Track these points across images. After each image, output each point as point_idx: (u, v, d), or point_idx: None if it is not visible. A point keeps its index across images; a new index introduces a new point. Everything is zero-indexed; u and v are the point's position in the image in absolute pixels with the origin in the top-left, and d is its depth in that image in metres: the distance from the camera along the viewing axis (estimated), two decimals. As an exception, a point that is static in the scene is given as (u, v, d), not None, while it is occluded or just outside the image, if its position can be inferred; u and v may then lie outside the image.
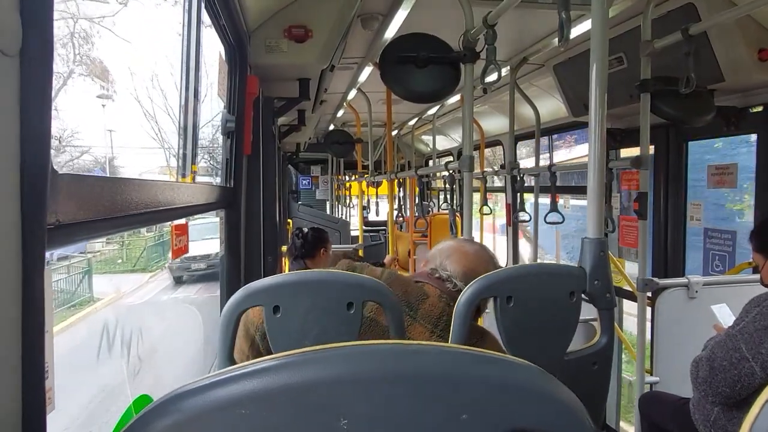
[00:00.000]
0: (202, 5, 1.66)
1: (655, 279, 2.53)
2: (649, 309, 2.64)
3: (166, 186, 1.23)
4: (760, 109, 2.65)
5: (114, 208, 0.83)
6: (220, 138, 2.22)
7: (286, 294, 1.21)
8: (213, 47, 2.03)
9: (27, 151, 0.53)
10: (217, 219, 2.28)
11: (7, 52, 0.51)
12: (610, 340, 1.36)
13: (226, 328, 1.21)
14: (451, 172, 2.86)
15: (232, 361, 1.22)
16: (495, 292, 1.25)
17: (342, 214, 8.60)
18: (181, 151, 1.98)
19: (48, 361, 0.66)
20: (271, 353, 1.19)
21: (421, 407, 0.42)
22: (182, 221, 1.59)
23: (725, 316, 2.32)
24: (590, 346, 1.35)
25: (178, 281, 8.59)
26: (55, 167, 0.58)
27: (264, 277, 2.56)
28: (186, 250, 1.49)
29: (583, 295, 1.32)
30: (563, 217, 3.55)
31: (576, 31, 2.70)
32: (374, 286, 1.23)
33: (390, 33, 2.87)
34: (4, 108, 0.52)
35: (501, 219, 4.36)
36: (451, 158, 7.81)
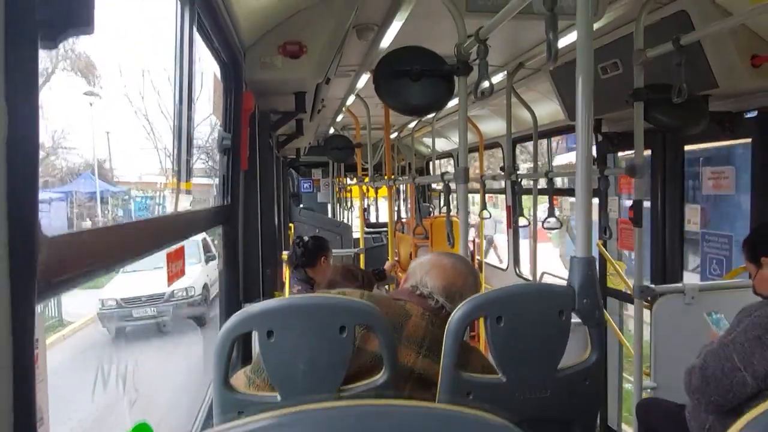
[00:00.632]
0: (194, 28, 1.68)
1: (651, 285, 2.54)
2: (648, 312, 2.65)
3: (163, 221, 1.25)
4: (754, 114, 2.65)
5: (109, 254, 0.86)
6: (217, 134, 2.22)
7: (280, 318, 1.24)
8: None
9: (14, 218, 0.55)
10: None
11: None
12: (600, 357, 1.37)
13: (220, 352, 1.24)
14: (446, 182, 2.87)
15: (228, 386, 1.25)
16: (485, 312, 1.27)
17: (343, 218, 8.62)
18: (176, 160, 1.99)
19: (42, 408, 0.69)
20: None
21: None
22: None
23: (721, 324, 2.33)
24: (581, 362, 1.37)
25: (120, 335, 5.65)
26: (44, 230, 0.60)
27: (262, 291, 2.56)
28: (183, 274, 1.51)
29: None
30: (561, 222, 3.55)
31: (572, 38, 2.70)
32: (366, 310, 1.25)
33: (385, 43, 2.88)
34: None
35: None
36: (451, 159, 7.82)
